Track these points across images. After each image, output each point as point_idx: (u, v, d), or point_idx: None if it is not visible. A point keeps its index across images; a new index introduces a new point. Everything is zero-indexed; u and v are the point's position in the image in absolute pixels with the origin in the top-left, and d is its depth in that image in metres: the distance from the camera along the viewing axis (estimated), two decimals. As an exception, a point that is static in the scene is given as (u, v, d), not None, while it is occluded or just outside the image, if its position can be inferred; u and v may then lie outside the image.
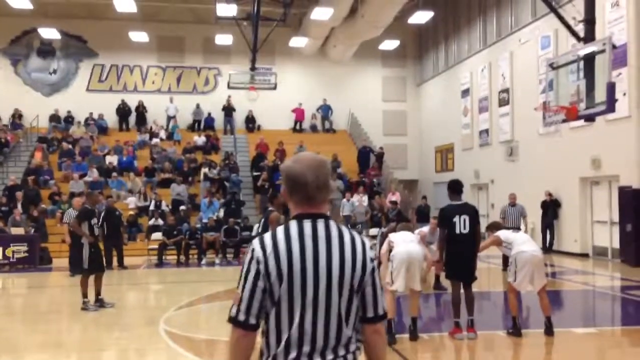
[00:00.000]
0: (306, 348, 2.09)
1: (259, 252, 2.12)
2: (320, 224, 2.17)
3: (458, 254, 7.52)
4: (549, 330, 7.52)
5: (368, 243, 2.24)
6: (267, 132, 26.79)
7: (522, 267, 7.54)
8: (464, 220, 7.41)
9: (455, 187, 7.76)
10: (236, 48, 26.04)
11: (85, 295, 9.77)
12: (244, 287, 2.12)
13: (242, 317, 2.11)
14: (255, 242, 2.17)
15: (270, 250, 2.11)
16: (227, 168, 22.62)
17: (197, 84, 28.28)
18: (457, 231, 7.42)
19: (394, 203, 18.93)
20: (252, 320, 2.11)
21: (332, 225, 2.19)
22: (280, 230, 2.17)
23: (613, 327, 9.18)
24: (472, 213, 7.55)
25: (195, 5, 26.80)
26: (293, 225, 2.17)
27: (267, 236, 2.16)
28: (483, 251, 8.10)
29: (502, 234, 8.04)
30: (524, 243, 7.70)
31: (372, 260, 2.21)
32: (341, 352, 2.14)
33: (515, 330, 7.59)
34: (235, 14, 22.42)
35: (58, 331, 8.84)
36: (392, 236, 8.02)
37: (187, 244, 17.30)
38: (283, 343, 2.10)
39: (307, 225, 2.16)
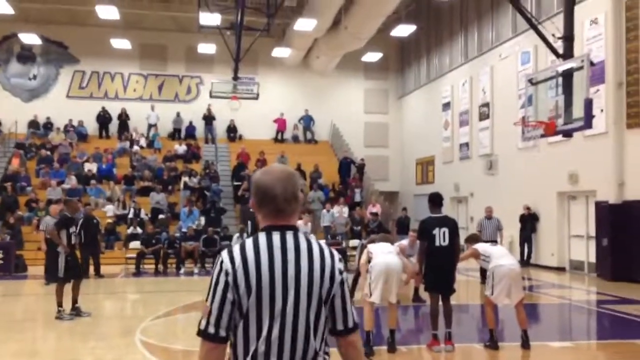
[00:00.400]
0: None
1: (227, 264, 2.11)
2: (289, 236, 2.17)
3: (437, 267, 7.56)
4: (525, 344, 7.57)
5: (337, 255, 2.24)
6: (249, 141, 26.76)
7: (500, 280, 7.60)
8: (444, 233, 7.46)
9: (435, 200, 7.81)
10: (219, 57, 26.03)
11: (60, 304, 9.64)
12: (213, 299, 2.11)
13: (211, 329, 2.10)
14: (224, 254, 2.16)
15: (239, 263, 2.10)
16: (207, 177, 22.53)
17: (179, 92, 28.18)
18: (437, 244, 7.46)
19: (375, 215, 18.97)
20: (222, 333, 2.10)
21: (301, 237, 2.20)
22: (249, 242, 2.17)
23: (589, 341, 9.27)
24: (452, 226, 7.60)
25: (178, 13, 26.75)
26: (262, 237, 2.17)
27: (236, 248, 2.16)
28: (462, 262, 8.16)
29: (480, 246, 8.10)
30: (502, 257, 7.77)
31: (340, 272, 2.21)
32: None
33: (492, 343, 7.63)
34: (218, 23, 22.41)
35: (33, 340, 8.70)
36: (371, 247, 8.05)
37: (166, 253, 17.16)
38: (250, 355, 2.09)
39: (276, 237, 2.16)
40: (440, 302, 7.63)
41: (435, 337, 7.53)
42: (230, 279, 2.09)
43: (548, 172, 17.28)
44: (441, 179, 24.77)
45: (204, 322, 2.12)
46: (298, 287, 2.11)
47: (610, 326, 9.90)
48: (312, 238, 2.25)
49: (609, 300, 12.03)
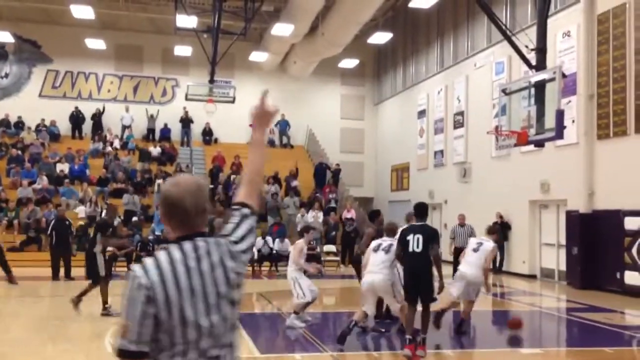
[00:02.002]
0: None
1: (143, 279, 2.09)
2: (200, 242, 2.19)
3: (412, 273, 7.63)
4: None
5: (237, 247, 2.26)
6: (224, 145, 26.65)
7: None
8: (418, 239, 7.55)
9: (416, 210, 8.06)
10: (195, 60, 25.91)
11: (105, 302, 10.13)
12: (130, 315, 2.07)
13: (132, 347, 2.06)
14: (137, 269, 2.13)
15: (155, 276, 2.09)
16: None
17: (154, 94, 27.94)
18: (410, 249, 7.57)
19: (351, 220, 19.04)
20: (144, 348, 2.08)
21: (211, 242, 2.22)
22: (162, 254, 2.16)
23: (558, 347, 9.42)
24: (428, 233, 7.65)
25: (154, 15, 26.55)
26: (175, 248, 2.17)
27: (150, 261, 2.14)
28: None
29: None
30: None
31: (244, 263, 2.27)
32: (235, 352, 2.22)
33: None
34: (195, 26, 22.33)
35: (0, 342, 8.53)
36: (373, 247, 8.20)
37: (138, 256, 16.98)
38: None
39: (189, 246, 2.17)
40: (420, 308, 7.66)
41: (408, 341, 7.55)
42: (148, 293, 2.07)
43: (520, 181, 17.52)
44: (416, 186, 24.95)
45: (121, 341, 2.07)
46: (218, 293, 2.15)
47: (578, 333, 10.07)
48: (220, 239, 2.26)
49: (578, 307, 12.22)
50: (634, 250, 13.49)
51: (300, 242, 9.32)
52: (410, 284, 7.66)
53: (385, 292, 8.01)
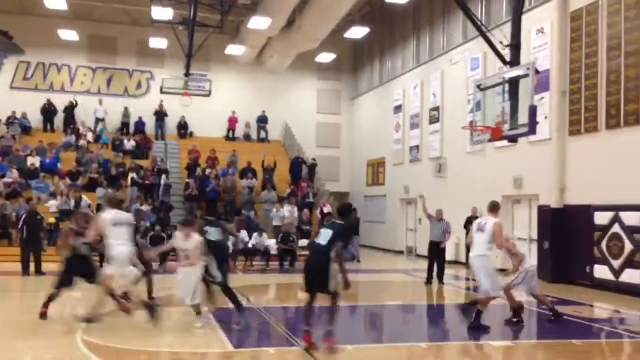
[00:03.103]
0: None
1: None
2: None
3: (308, 263, 7.75)
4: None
5: None
6: (200, 139, 26.48)
7: None
8: (326, 234, 7.60)
9: (339, 211, 8.21)
10: (171, 52, 25.68)
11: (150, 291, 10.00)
12: None
13: None
14: None
15: None
16: (156, 173, 22.14)
17: (128, 86, 27.63)
18: (316, 241, 7.76)
19: (329, 214, 19.06)
20: None
21: None
22: None
23: (529, 340, 9.54)
24: (337, 230, 7.61)
25: (129, 6, 26.22)
26: None
27: None
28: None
29: None
30: None
31: None
32: None
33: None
34: (170, 18, 22.11)
35: (-33, 339, 8.38)
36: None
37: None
38: None
39: None
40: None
41: (306, 332, 7.49)
42: None
43: (494, 176, 17.70)
44: (391, 181, 25.05)
45: None
46: None
47: (550, 327, 10.21)
48: None
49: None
50: (603, 245, 13.74)
51: (498, 221, 9.65)
52: (306, 274, 7.67)
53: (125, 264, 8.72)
